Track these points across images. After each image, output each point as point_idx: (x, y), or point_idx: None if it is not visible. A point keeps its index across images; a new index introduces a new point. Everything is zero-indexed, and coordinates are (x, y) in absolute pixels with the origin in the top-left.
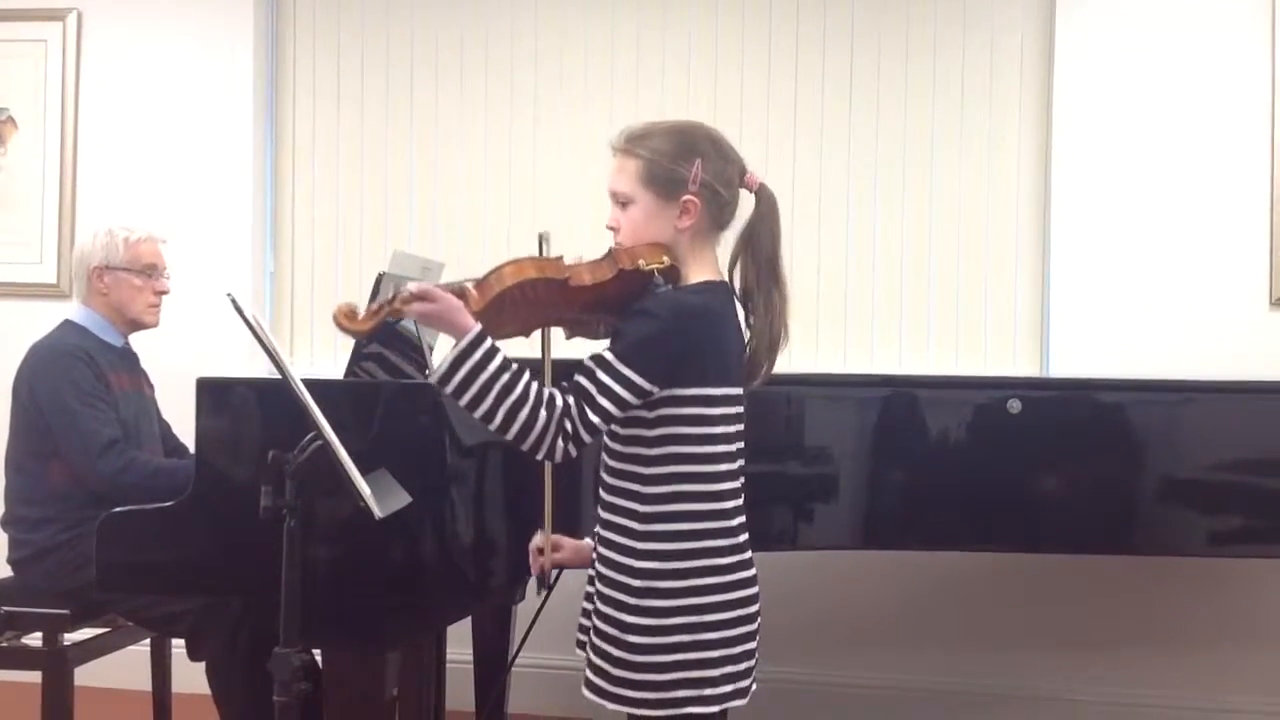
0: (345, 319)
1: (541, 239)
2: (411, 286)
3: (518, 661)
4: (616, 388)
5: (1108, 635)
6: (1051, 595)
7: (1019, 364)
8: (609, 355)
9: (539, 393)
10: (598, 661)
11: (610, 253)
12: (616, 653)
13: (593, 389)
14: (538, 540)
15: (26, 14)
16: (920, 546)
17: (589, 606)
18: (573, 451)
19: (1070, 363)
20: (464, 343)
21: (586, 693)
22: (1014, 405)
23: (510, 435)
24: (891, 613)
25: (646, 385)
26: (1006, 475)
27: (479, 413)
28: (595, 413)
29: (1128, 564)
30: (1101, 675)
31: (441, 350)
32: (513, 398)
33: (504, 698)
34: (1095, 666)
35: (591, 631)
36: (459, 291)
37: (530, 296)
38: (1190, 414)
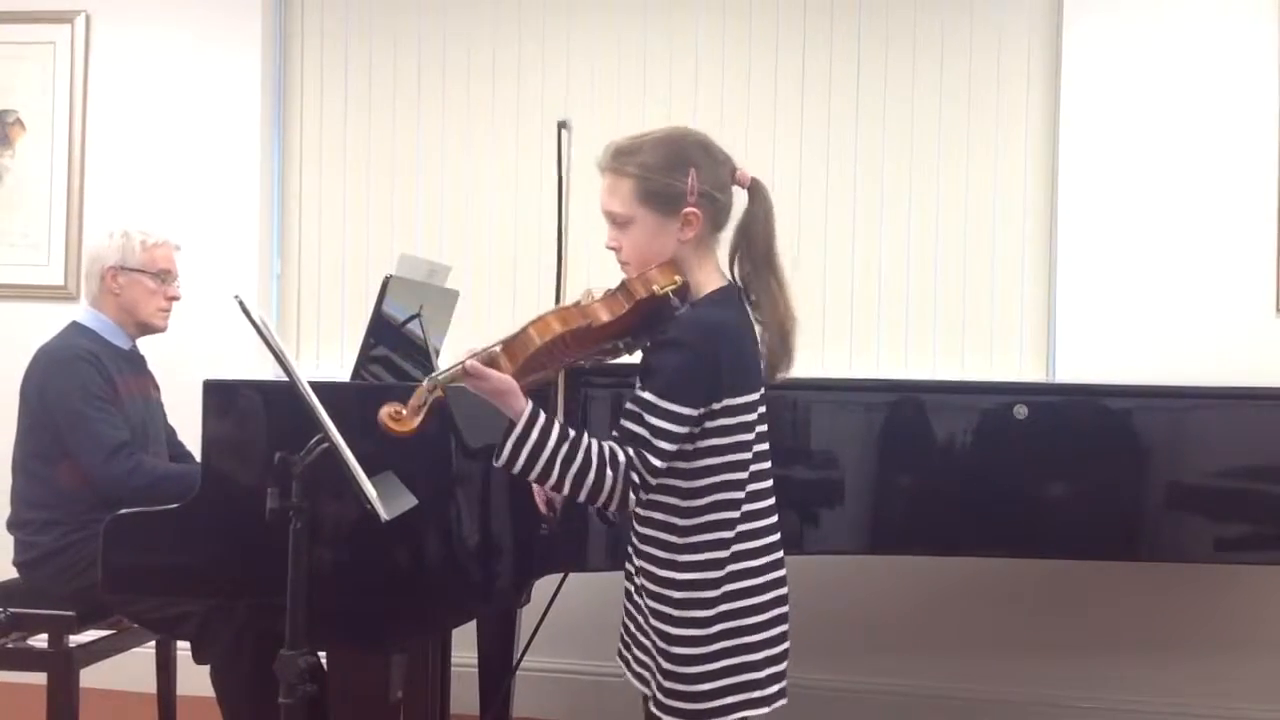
0: (393, 422)
1: (560, 126)
2: (464, 365)
3: (522, 665)
4: (668, 425)
5: (1113, 641)
6: (1057, 601)
7: (1025, 370)
8: (650, 396)
9: (600, 455)
10: (652, 676)
11: (623, 285)
12: (666, 665)
13: (647, 434)
14: None
15: (35, 16)
16: (926, 552)
17: (631, 625)
18: (643, 497)
19: (1077, 369)
20: (520, 426)
21: (655, 710)
22: (1020, 411)
23: (580, 498)
24: (897, 618)
25: (694, 413)
26: (1013, 481)
27: (548, 484)
28: (656, 455)
29: (1134, 570)
30: (1107, 681)
31: (448, 356)
32: (576, 466)
33: (508, 701)
34: (1100, 672)
35: (640, 645)
36: (489, 359)
37: (557, 348)
38: (1196, 420)
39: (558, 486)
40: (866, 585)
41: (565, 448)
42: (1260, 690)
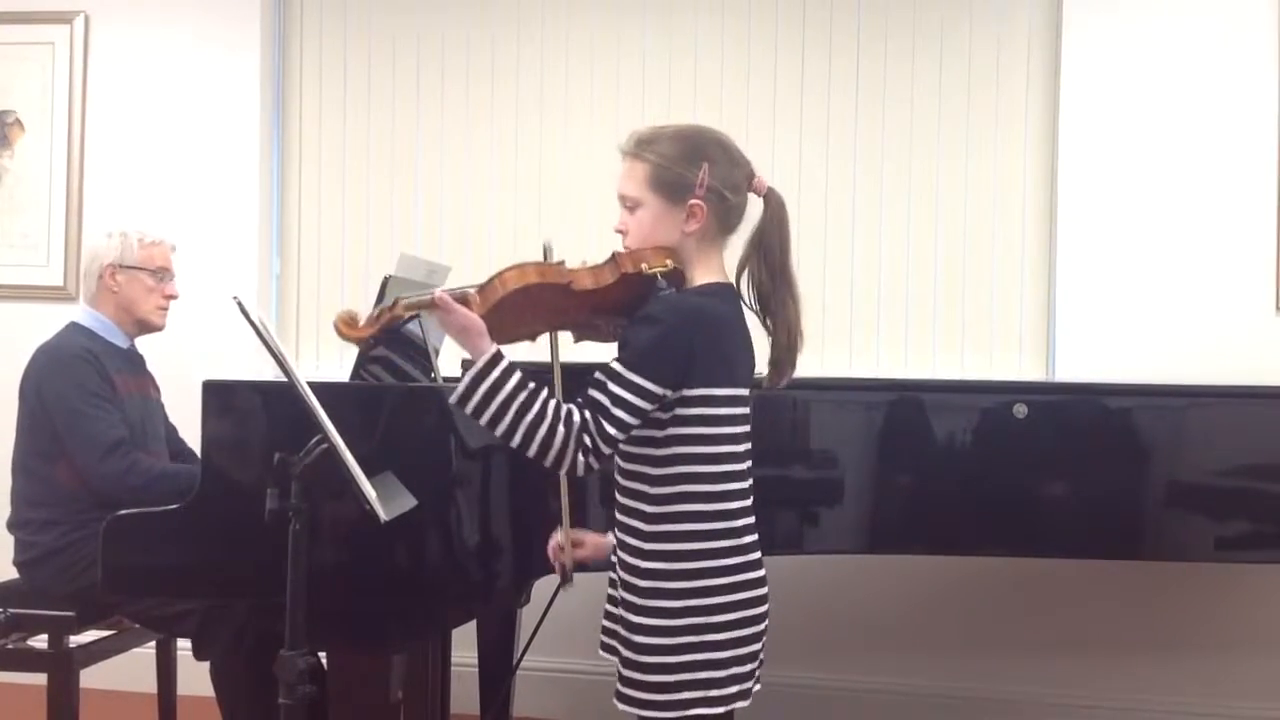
0: (345, 326)
1: (546, 249)
2: (434, 294)
3: (522, 664)
4: (629, 396)
5: (1113, 640)
6: (1057, 600)
7: (1025, 369)
8: (617, 365)
9: (556, 409)
10: (616, 663)
11: (613, 257)
12: (625, 653)
13: (606, 401)
14: (558, 537)
15: (34, 16)
16: (926, 551)
17: (611, 609)
18: (594, 464)
19: (1076, 367)
20: (480, 363)
21: (615, 698)
22: (1020, 410)
23: (530, 452)
24: (897, 618)
25: (658, 390)
26: (1012, 480)
27: (498, 431)
28: (611, 424)
29: (1134, 569)
30: (1107, 680)
31: (448, 355)
32: (530, 416)
33: (508, 701)
34: (1100, 672)
35: (615, 634)
36: (462, 298)
37: (533, 301)
38: (1196, 419)
39: (509, 434)
40: (866, 585)
41: (523, 395)
42: (1260, 690)
